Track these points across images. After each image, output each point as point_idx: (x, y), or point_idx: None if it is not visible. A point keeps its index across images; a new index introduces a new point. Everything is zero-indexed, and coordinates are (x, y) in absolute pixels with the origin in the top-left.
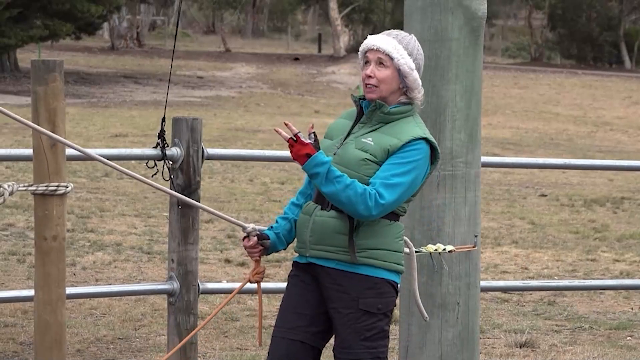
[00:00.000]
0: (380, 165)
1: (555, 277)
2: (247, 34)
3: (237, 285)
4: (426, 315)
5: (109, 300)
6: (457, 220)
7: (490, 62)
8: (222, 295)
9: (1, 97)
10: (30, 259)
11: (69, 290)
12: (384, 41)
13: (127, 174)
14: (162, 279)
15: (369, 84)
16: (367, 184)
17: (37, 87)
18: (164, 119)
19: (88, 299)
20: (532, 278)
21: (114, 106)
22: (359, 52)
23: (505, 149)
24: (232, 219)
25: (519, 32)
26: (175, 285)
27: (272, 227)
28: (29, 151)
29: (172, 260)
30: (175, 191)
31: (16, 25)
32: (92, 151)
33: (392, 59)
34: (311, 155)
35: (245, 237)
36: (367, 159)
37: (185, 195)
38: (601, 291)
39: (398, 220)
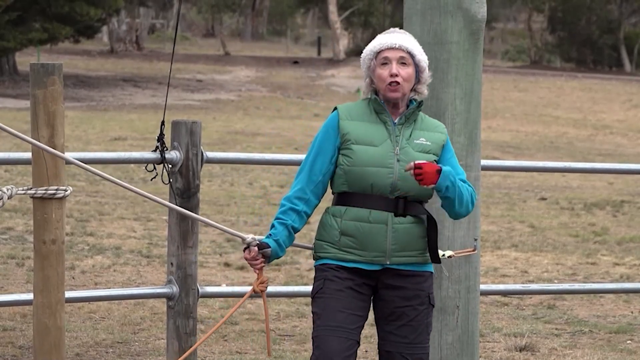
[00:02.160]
0: (438, 161)
1: (555, 281)
2: (247, 37)
3: (236, 289)
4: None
5: (108, 304)
6: (457, 223)
7: (490, 65)
8: (222, 299)
9: (0, 101)
10: (29, 263)
11: (68, 294)
12: (404, 39)
13: (125, 187)
14: (162, 283)
15: (394, 82)
16: None
17: (36, 90)
18: (163, 123)
19: (87, 303)
20: (532, 281)
21: (113, 109)
22: (368, 52)
23: (505, 152)
24: (231, 231)
25: (519, 35)
26: (175, 289)
27: (270, 234)
28: (28, 155)
29: (172, 263)
30: (174, 194)
31: (15, 28)
32: (92, 155)
33: (413, 56)
34: (440, 170)
35: (245, 249)
36: (434, 160)
37: (185, 199)
38: (601, 295)
39: None
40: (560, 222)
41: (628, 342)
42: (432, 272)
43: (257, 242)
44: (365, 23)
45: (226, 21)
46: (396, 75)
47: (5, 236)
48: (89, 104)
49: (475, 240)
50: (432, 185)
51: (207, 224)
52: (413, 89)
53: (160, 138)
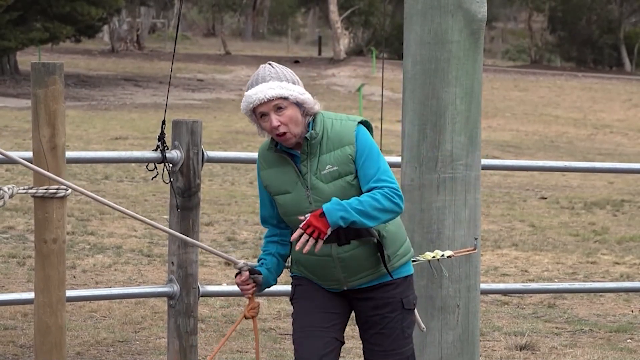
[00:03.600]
0: (355, 173)
1: (556, 280)
2: (247, 37)
3: (237, 288)
4: (423, 326)
5: (109, 303)
6: (457, 223)
7: (491, 64)
8: (222, 298)
9: (1, 100)
10: (30, 262)
11: (69, 293)
12: (269, 88)
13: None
14: (162, 282)
15: (280, 132)
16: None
17: (37, 89)
18: (164, 122)
19: (88, 302)
20: (532, 281)
21: (114, 109)
22: (245, 109)
23: (505, 151)
24: (225, 255)
25: (519, 35)
26: (176, 288)
27: (262, 263)
28: (29, 154)
29: (172, 263)
30: (175, 193)
31: (16, 28)
32: (93, 154)
33: (286, 98)
34: (323, 212)
35: (237, 274)
36: (348, 181)
37: (185, 198)
38: (601, 294)
39: None
40: (561, 222)
41: (628, 341)
42: (406, 276)
43: (249, 267)
44: (366, 23)
45: (227, 21)
46: (278, 126)
47: (6, 235)
48: (90, 104)
49: (476, 239)
50: (330, 229)
51: (202, 248)
52: (306, 115)
53: (161, 137)
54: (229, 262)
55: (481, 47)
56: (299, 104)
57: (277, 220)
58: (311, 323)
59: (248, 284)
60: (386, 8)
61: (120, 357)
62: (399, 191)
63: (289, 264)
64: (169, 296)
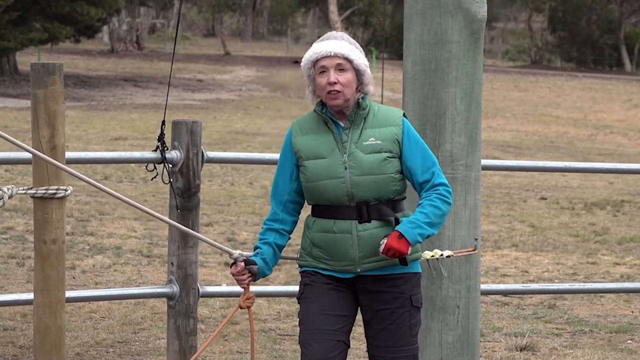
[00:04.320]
0: (398, 158)
1: (556, 281)
2: (247, 37)
3: (237, 289)
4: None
5: (109, 304)
6: (457, 223)
7: (491, 65)
8: (222, 298)
9: (1, 100)
10: (29, 263)
11: (69, 293)
12: (339, 46)
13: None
14: (162, 283)
15: (333, 90)
16: (394, 181)
17: (37, 90)
18: (163, 122)
19: (87, 303)
20: (532, 281)
21: (113, 109)
22: (306, 62)
23: (505, 152)
24: (219, 245)
25: (519, 35)
26: (175, 288)
27: (257, 253)
28: (28, 154)
29: (172, 263)
30: (175, 194)
31: (16, 28)
32: (93, 154)
33: (350, 61)
34: (401, 234)
35: (232, 264)
36: (388, 157)
37: (185, 199)
38: (601, 294)
39: None
40: (561, 222)
41: (628, 341)
42: (415, 273)
43: (244, 258)
44: (366, 23)
45: (227, 21)
46: (335, 83)
47: (5, 236)
48: (89, 104)
49: (476, 239)
50: (411, 248)
51: (198, 238)
52: (358, 91)
53: (161, 138)
54: (227, 263)
55: (481, 48)
56: (359, 74)
57: (289, 199)
58: (319, 325)
59: (243, 275)
60: (386, 8)
61: (119, 358)
62: (449, 187)
63: (298, 256)
64: (169, 297)
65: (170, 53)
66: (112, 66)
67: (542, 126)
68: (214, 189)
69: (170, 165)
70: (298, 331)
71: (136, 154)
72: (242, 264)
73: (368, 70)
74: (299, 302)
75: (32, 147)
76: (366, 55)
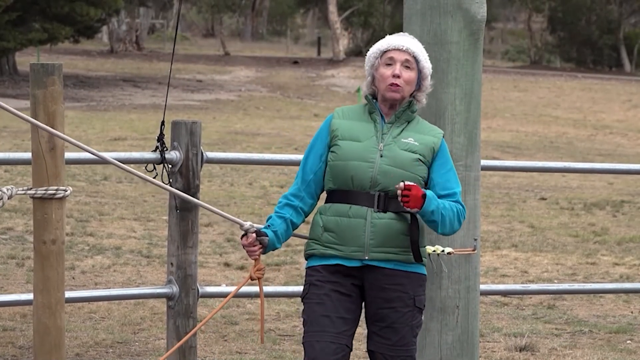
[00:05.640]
0: (427, 164)
1: (555, 281)
2: (247, 37)
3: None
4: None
5: (108, 304)
6: None
7: (490, 65)
8: (222, 299)
9: (0, 101)
10: (29, 263)
11: (68, 294)
12: (412, 43)
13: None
14: (162, 283)
15: (395, 83)
16: (418, 183)
17: (36, 90)
18: (163, 123)
19: (87, 303)
20: (531, 281)
21: (113, 110)
22: (375, 50)
23: (504, 152)
24: (230, 216)
25: (519, 36)
26: (175, 289)
27: (268, 225)
28: (28, 155)
29: (172, 264)
30: (173, 195)
31: (15, 28)
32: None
33: (418, 61)
34: (425, 195)
35: (243, 236)
36: (419, 159)
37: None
38: (601, 295)
39: None
40: (560, 222)
41: (628, 342)
42: (421, 274)
43: (255, 229)
44: (365, 23)
45: (226, 21)
46: (398, 77)
47: (5, 236)
48: (88, 104)
49: (475, 240)
50: (416, 210)
51: (207, 209)
52: (412, 95)
53: (160, 138)
54: (227, 263)
55: (481, 48)
56: (421, 77)
57: (314, 178)
58: (323, 327)
59: (255, 246)
60: (385, 8)
61: (119, 358)
62: (465, 210)
63: (305, 249)
64: (168, 297)
65: (169, 53)
66: (111, 66)
67: (542, 126)
68: (213, 189)
69: (170, 166)
70: (302, 331)
71: (135, 155)
72: (254, 235)
73: (429, 77)
74: (302, 302)
75: (32, 148)
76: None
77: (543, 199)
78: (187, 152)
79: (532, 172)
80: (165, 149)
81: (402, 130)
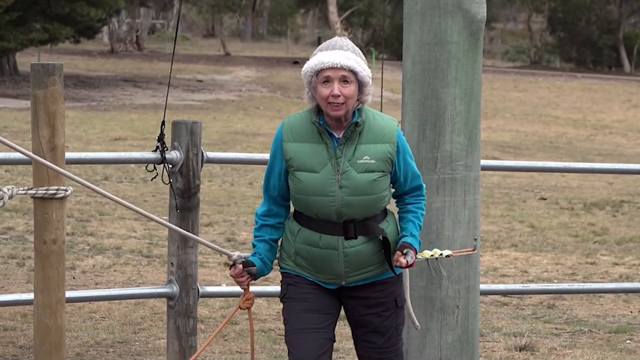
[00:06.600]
0: (389, 173)
1: (555, 281)
2: (247, 38)
3: (236, 289)
4: (417, 324)
5: (109, 304)
6: (456, 223)
7: (490, 65)
8: (222, 298)
9: (0, 101)
10: (29, 263)
11: (69, 293)
12: (345, 57)
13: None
14: (162, 283)
15: (336, 102)
16: (383, 199)
17: (37, 90)
18: (163, 123)
19: (87, 303)
20: (531, 281)
21: (113, 110)
22: (309, 70)
23: (504, 152)
24: (218, 248)
25: (519, 36)
26: (175, 288)
27: (255, 252)
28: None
29: (172, 263)
30: (175, 194)
31: (16, 28)
32: (92, 155)
33: (355, 74)
34: (411, 245)
35: (231, 266)
36: (379, 178)
37: (185, 199)
38: (601, 294)
39: None
40: (560, 222)
41: (627, 341)
42: (398, 275)
43: (243, 259)
44: (365, 23)
45: (226, 21)
46: (338, 96)
47: (5, 236)
48: (89, 104)
49: (475, 240)
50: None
51: (196, 241)
52: (357, 100)
53: (161, 138)
54: (227, 263)
55: (480, 48)
56: (361, 86)
57: (279, 193)
58: (306, 324)
59: (243, 276)
60: (385, 8)
61: (119, 358)
62: (424, 186)
63: (279, 258)
64: (169, 297)
65: (170, 53)
66: (111, 67)
67: (542, 126)
68: (213, 189)
69: (170, 166)
70: (284, 330)
71: (136, 155)
72: (241, 266)
73: (370, 81)
74: (282, 302)
75: (32, 148)
76: (366, 56)
77: (543, 198)
78: (187, 152)
79: (532, 172)
80: (165, 148)
81: (355, 148)
